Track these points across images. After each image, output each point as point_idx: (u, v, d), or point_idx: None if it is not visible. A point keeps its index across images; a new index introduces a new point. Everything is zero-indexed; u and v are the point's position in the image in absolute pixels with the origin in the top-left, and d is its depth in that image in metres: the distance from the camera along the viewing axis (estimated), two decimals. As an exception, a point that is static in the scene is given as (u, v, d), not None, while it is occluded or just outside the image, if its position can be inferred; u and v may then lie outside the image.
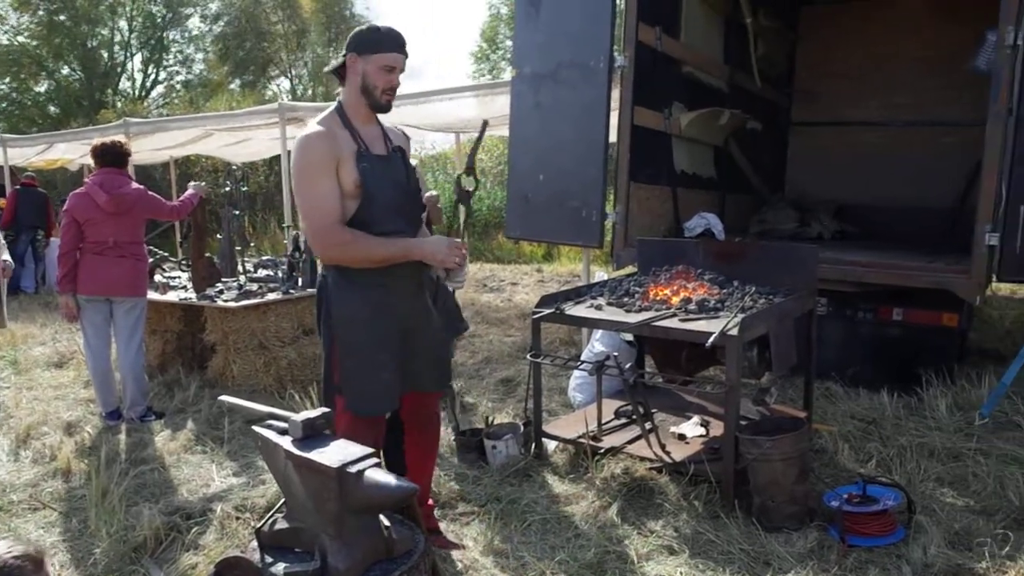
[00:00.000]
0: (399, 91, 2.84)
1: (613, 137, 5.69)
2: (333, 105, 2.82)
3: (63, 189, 14.89)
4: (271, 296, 5.57)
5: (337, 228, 2.63)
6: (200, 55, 27.36)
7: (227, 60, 27.49)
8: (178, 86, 26.81)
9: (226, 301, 5.39)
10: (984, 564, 2.94)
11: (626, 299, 4.04)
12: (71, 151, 12.57)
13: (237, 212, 6.35)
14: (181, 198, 5.30)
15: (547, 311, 3.99)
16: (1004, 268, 4.45)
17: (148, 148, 11.78)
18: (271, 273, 6.12)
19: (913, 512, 3.28)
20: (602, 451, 3.88)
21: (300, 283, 5.82)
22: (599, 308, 3.97)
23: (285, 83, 28.68)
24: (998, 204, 4.46)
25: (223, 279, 5.91)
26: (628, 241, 5.51)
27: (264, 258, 6.39)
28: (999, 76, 4.44)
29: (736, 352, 3.39)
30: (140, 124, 10.39)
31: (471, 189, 3.10)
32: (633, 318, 3.76)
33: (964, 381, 4.89)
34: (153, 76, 26.54)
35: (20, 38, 24.24)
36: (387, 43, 2.70)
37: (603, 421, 4.13)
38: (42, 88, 25.39)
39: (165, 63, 26.57)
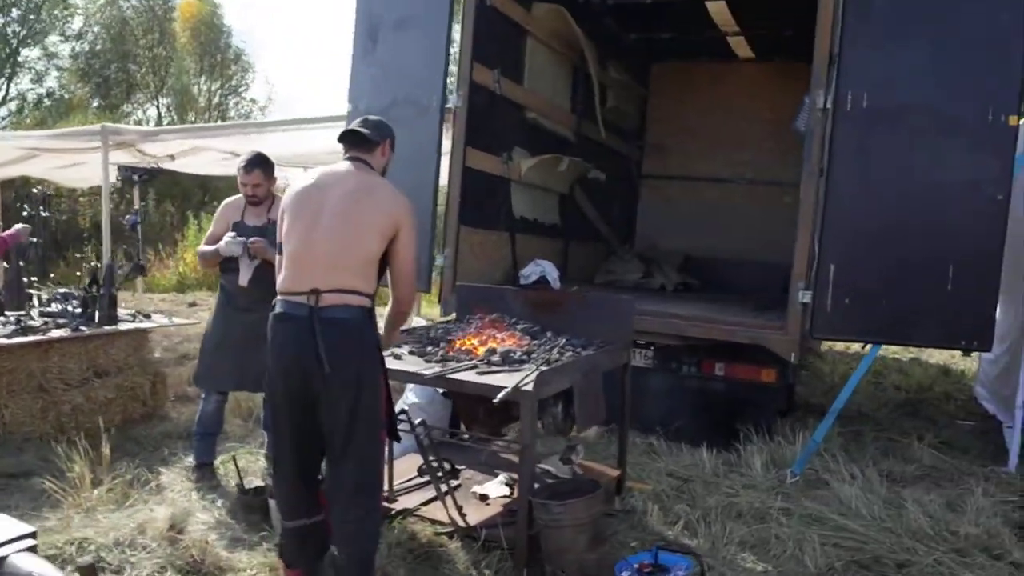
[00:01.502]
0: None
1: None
2: (372, 172, 3.03)
3: None
4: (57, 333, 4.97)
5: None
6: (55, 73, 25.60)
7: (88, 79, 25.88)
8: (28, 105, 24.94)
9: (-1, 337, 4.76)
10: (768, 638, 2.80)
11: (429, 348, 3.78)
12: None
13: (34, 240, 5.73)
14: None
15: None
16: (816, 326, 4.46)
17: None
18: (65, 307, 5.50)
19: (706, 581, 3.12)
20: (393, 513, 3.56)
21: (96, 319, 5.25)
22: (398, 358, 3.68)
23: (153, 109, 27.24)
24: (812, 262, 4.51)
25: (5, 312, 5.26)
26: (456, 286, 5.28)
27: (60, 291, 5.76)
28: (811, 137, 4.53)
29: (531, 409, 3.17)
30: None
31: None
32: (431, 369, 3.49)
33: (781, 437, 4.87)
34: (3, 94, 24.61)
35: None
36: None
37: (404, 479, 3.82)
38: None
39: (16, 82, 24.72)
